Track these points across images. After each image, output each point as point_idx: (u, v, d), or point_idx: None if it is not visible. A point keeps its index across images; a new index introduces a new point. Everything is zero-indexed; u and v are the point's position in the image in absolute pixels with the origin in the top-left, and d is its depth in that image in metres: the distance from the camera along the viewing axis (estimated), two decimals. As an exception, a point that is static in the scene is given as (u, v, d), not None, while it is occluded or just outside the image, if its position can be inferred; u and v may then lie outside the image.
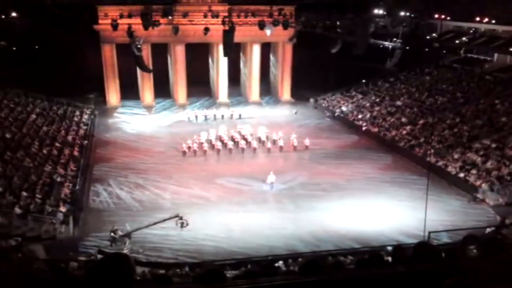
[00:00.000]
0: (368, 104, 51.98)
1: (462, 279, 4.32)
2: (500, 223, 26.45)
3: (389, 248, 18.62)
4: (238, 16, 50.90)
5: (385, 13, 54.32)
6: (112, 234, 24.43)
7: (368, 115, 49.10)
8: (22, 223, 25.44)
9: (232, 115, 50.87)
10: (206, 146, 39.62)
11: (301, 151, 40.22)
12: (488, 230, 23.92)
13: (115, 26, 47.52)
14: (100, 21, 51.13)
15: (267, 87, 60.62)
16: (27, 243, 23.16)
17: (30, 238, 24.56)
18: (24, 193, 27.74)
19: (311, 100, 57.92)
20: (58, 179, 31.19)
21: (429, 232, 19.04)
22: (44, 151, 35.67)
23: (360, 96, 55.21)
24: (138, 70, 52.94)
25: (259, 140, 41.68)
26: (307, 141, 40.66)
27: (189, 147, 39.39)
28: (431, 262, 4.99)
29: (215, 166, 37.23)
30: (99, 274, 4.14)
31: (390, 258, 7.03)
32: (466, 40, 52.69)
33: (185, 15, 50.66)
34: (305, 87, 57.76)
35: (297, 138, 40.68)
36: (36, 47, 58.01)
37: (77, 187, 30.79)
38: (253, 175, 34.14)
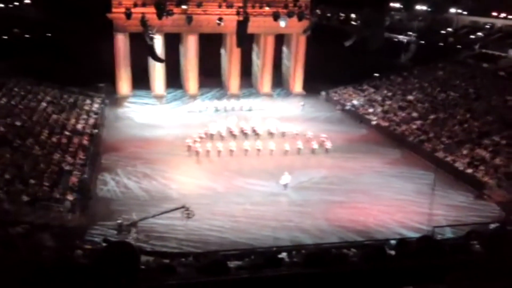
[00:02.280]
0: (379, 98, 51.61)
1: (465, 273, 4.26)
2: (505, 219, 26.27)
3: (393, 242, 18.53)
4: (253, 7, 50.48)
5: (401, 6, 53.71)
6: (118, 222, 24.50)
7: (379, 109, 48.79)
8: (30, 210, 25.54)
9: (242, 106, 50.68)
10: (220, 147, 37.34)
11: (319, 152, 38.34)
12: (492, 226, 23.77)
13: (128, 15, 47.22)
14: (113, 10, 50.81)
15: (278, 79, 60.11)
16: (35, 231, 23.34)
17: (38, 225, 24.70)
18: (32, 181, 27.85)
19: (322, 93, 57.57)
20: (67, 168, 31.26)
21: (434, 227, 18.91)
22: (54, 139, 35.68)
23: (372, 90, 54.81)
24: (150, 60, 52.82)
25: (269, 132, 41.50)
26: (328, 144, 38.49)
27: (201, 137, 38.89)
28: (434, 256, 4.92)
29: (225, 160, 36.82)
30: (104, 262, 4.13)
31: (393, 252, 6.98)
32: (482, 35, 52.09)
33: (199, 4, 50.36)
34: (317, 80, 57.25)
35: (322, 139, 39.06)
36: (49, 35, 58.17)
37: (85, 176, 30.83)
38: (266, 173, 33.54)
